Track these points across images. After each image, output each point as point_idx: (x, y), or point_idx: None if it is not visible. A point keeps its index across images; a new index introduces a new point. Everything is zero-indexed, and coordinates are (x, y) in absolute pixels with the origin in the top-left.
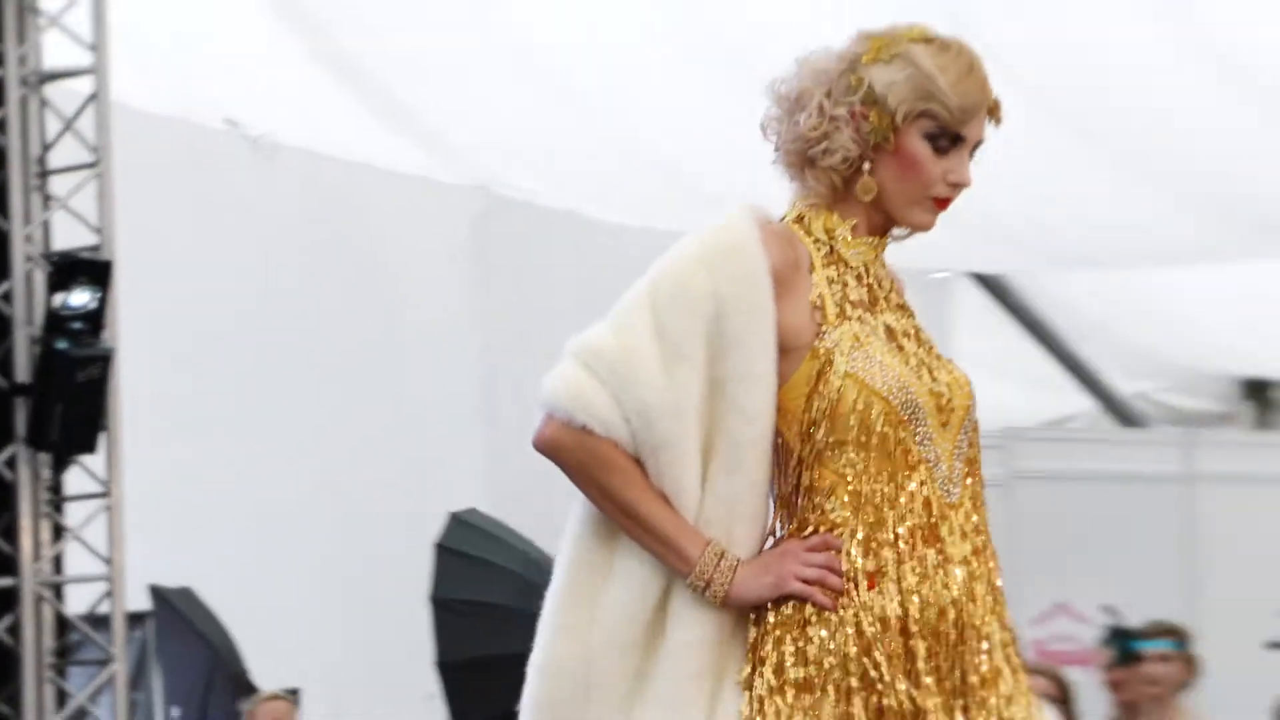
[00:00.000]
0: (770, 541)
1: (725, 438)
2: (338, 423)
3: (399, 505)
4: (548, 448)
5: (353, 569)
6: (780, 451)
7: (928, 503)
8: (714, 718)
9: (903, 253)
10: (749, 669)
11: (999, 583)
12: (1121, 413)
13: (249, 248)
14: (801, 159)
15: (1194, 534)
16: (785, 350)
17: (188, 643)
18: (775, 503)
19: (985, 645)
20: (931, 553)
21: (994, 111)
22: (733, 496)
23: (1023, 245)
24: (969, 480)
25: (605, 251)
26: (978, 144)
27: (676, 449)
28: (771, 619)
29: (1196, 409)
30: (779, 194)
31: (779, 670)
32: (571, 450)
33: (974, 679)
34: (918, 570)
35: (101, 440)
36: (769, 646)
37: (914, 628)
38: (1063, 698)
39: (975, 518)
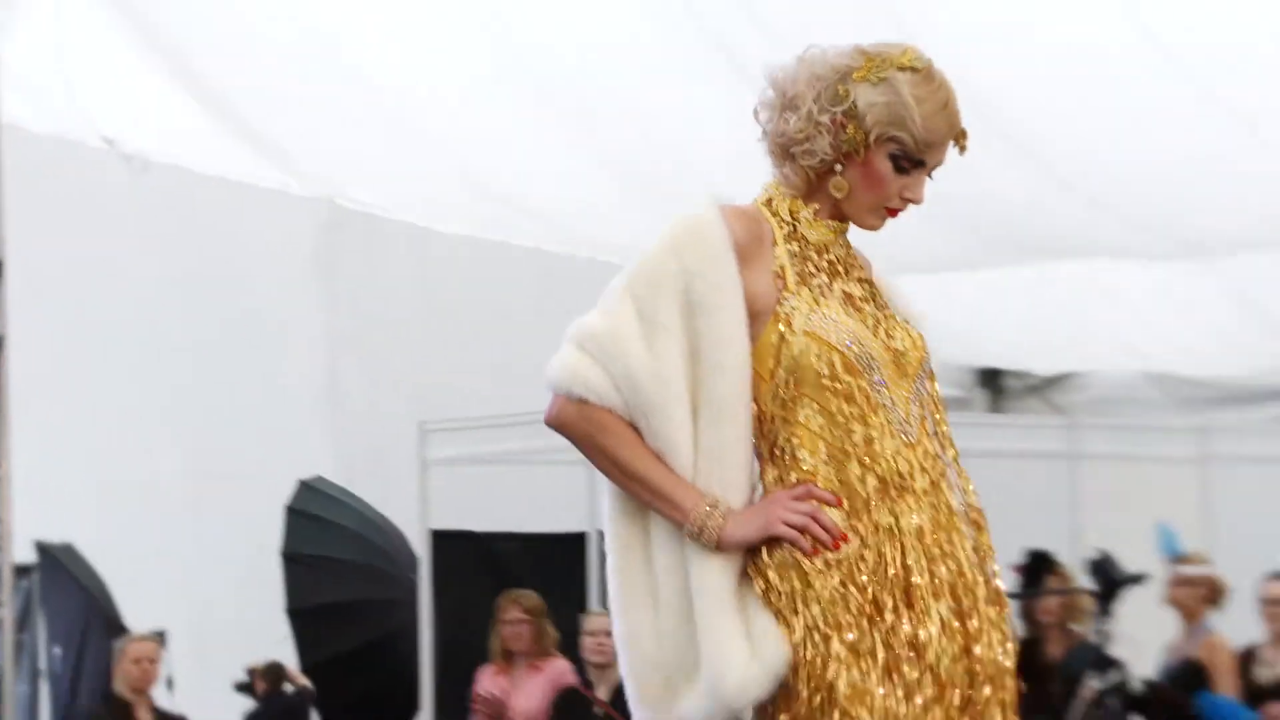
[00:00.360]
0: (759, 493)
1: (707, 396)
2: (203, 404)
3: (256, 475)
4: (555, 423)
5: (214, 528)
6: (754, 414)
7: (894, 448)
8: (752, 631)
9: None
10: (760, 592)
11: (959, 507)
12: None
13: (126, 252)
14: (784, 152)
15: None
16: (752, 315)
17: (68, 592)
18: (759, 475)
19: (957, 579)
20: (895, 488)
21: (960, 140)
22: (720, 448)
23: None
24: (925, 422)
25: (437, 257)
26: (937, 164)
27: (664, 411)
28: (765, 559)
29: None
30: (600, 208)
31: (790, 599)
32: (574, 422)
33: (937, 583)
34: (885, 505)
35: None
36: (772, 584)
37: (889, 558)
38: None
39: (933, 454)
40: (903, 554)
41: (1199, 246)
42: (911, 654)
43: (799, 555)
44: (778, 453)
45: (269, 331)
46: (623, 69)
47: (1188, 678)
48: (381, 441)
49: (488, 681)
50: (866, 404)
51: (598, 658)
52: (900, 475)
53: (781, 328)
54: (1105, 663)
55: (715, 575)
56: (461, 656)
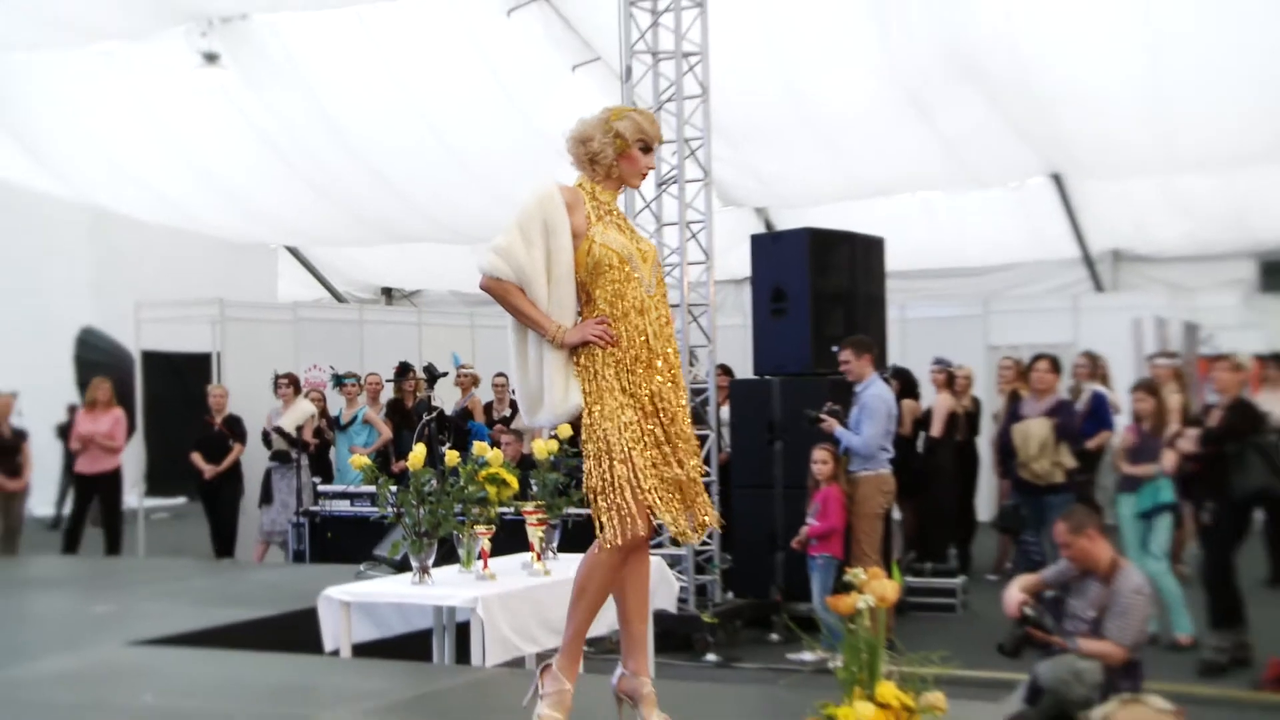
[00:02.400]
0: (579, 321)
1: (554, 278)
2: (31, 319)
3: (64, 331)
4: (485, 288)
5: (42, 357)
6: (578, 287)
7: (641, 300)
8: (568, 389)
9: (253, 230)
10: (577, 371)
11: (672, 334)
12: (338, 297)
13: None
14: (592, 161)
15: (361, 345)
16: (576, 237)
17: None
18: (580, 313)
19: (664, 363)
20: (644, 321)
21: (659, 137)
22: (560, 302)
23: (308, 230)
24: (657, 291)
25: (152, 239)
26: (657, 148)
27: (536, 284)
28: (577, 353)
29: (363, 298)
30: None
31: (588, 373)
32: (495, 288)
33: (665, 374)
34: (637, 326)
35: None
36: (581, 369)
37: (640, 351)
38: (324, 407)
39: (662, 308)
40: (649, 348)
41: None
42: (647, 397)
43: (596, 352)
44: (588, 307)
45: (56, 283)
46: (127, 78)
47: None
48: (120, 312)
49: (80, 417)
50: (628, 280)
51: (217, 405)
52: (645, 314)
53: (589, 243)
54: None
55: (557, 359)
56: (161, 411)
